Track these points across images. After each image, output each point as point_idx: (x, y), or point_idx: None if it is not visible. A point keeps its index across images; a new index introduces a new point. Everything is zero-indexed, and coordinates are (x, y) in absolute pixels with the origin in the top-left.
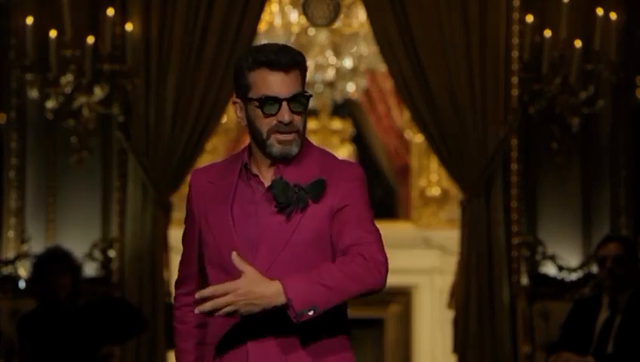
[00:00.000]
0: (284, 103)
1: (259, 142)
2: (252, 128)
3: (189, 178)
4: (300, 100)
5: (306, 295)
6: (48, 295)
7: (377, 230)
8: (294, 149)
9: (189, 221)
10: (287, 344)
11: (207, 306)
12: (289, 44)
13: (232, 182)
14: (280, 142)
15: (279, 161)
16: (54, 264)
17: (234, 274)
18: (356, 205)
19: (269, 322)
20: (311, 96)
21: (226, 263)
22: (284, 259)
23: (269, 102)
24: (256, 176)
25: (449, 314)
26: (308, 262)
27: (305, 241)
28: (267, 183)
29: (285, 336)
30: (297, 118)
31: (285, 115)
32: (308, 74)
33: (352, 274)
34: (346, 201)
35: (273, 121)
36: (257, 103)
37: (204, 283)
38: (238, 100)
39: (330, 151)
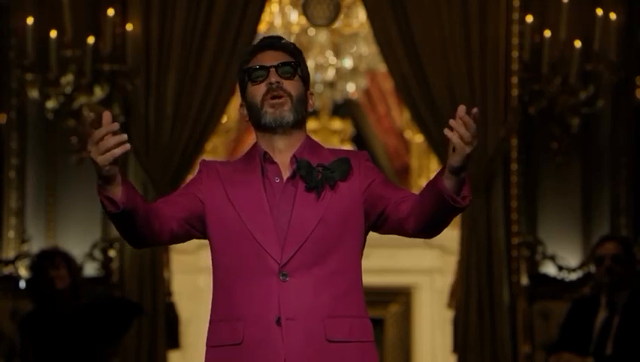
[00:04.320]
0: (272, 69)
1: (256, 117)
2: (251, 110)
3: (200, 163)
4: (287, 68)
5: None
6: (46, 290)
7: None
8: (288, 115)
9: (192, 186)
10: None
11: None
12: None
13: (256, 175)
14: (272, 105)
15: (275, 129)
16: (45, 259)
17: (242, 248)
18: (383, 176)
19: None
20: (298, 63)
21: (245, 242)
22: (317, 236)
23: (257, 70)
24: (275, 163)
25: (449, 314)
26: (338, 239)
27: (335, 219)
28: (285, 173)
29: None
30: (287, 83)
31: (272, 77)
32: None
33: None
34: (371, 177)
35: (263, 87)
36: (248, 77)
37: (212, 254)
38: (242, 101)
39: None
